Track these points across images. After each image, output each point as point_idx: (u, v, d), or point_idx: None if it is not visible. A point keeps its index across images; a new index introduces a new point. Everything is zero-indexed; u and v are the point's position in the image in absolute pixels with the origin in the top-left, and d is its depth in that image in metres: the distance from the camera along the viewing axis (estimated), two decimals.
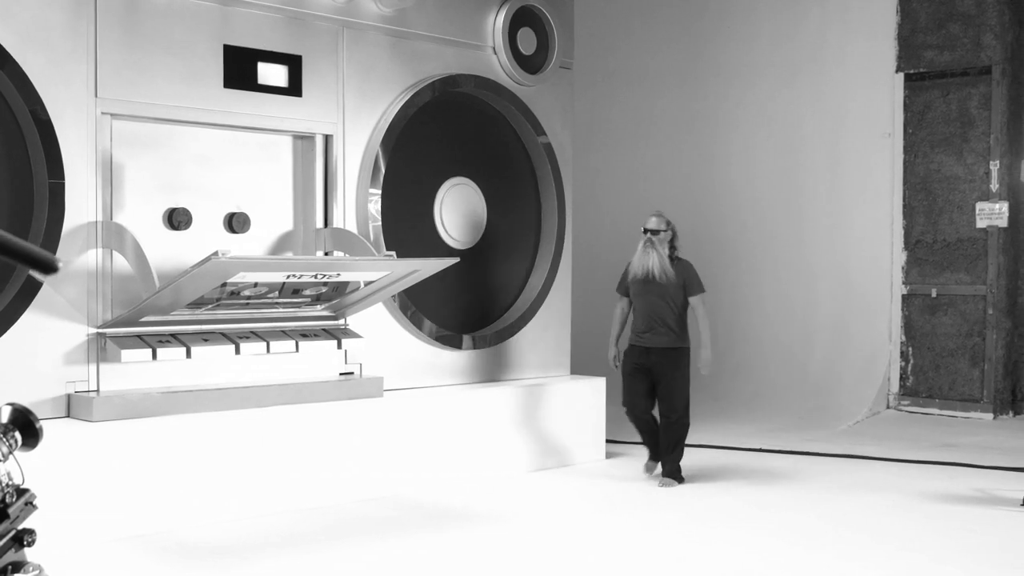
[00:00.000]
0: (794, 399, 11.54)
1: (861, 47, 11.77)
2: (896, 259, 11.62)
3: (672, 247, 7.99)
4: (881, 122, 11.68)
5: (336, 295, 7.11)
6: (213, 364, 7.00)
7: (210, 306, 6.66)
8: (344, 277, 6.84)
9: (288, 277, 6.58)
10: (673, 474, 7.86)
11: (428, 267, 7.09)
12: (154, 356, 6.46)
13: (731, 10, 12.61)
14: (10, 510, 2.83)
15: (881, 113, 11.67)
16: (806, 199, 12.07)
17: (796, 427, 10.58)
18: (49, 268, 2.31)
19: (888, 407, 11.51)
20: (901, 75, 11.57)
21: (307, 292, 6.91)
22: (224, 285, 6.37)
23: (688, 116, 12.91)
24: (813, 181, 12.03)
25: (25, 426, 2.98)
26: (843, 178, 11.85)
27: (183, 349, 6.58)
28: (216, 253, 5.91)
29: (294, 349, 7.08)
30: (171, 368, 6.80)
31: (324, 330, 7.34)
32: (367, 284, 7.07)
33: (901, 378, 11.59)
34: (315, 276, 6.66)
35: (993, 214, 11.13)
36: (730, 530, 6.50)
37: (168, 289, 6.13)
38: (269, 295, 6.76)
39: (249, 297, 6.69)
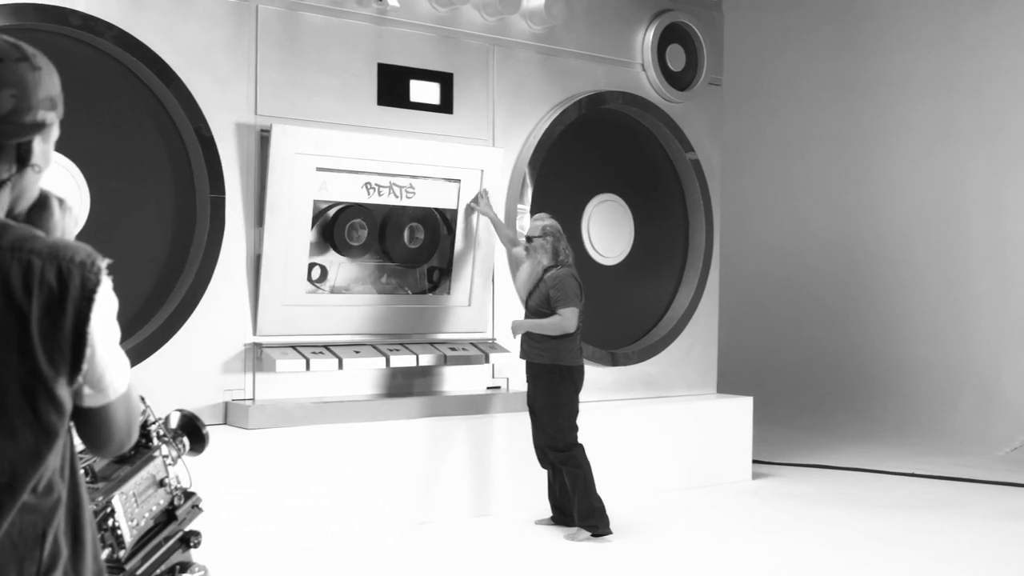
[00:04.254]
0: (948, 423, 11.21)
1: (1023, 56, 11.39)
2: None
3: (556, 253, 6.78)
4: None
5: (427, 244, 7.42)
6: (364, 376, 7.14)
7: (324, 280, 6.99)
8: (416, 179, 7.19)
9: (368, 189, 6.99)
10: (582, 521, 6.63)
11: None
12: (308, 367, 6.63)
13: (886, 23, 12.35)
14: (178, 512, 2.95)
15: None
16: (966, 216, 11.73)
17: (949, 452, 10.27)
18: None
19: None
20: None
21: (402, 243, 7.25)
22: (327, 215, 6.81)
23: (842, 132, 12.67)
24: (974, 197, 11.67)
25: (193, 432, 3.10)
26: (1006, 194, 11.47)
27: (336, 360, 6.74)
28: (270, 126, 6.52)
29: (443, 362, 7.18)
30: (324, 379, 6.96)
31: (472, 344, 7.43)
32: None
33: None
34: (389, 185, 7.09)
35: None
36: (877, 554, 6.36)
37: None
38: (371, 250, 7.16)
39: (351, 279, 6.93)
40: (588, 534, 6.60)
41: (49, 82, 1.90)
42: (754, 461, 8.89)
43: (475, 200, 7.36)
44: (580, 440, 6.80)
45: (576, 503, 6.65)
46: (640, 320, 8.76)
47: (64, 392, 1.80)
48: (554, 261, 6.78)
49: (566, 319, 6.69)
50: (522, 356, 6.89)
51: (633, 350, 8.53)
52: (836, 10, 12.77)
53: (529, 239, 6.87)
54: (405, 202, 7.22)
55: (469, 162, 7.40)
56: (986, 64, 11.61)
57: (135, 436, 1.98)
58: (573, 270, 6.83)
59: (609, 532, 6.63)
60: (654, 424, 8.21)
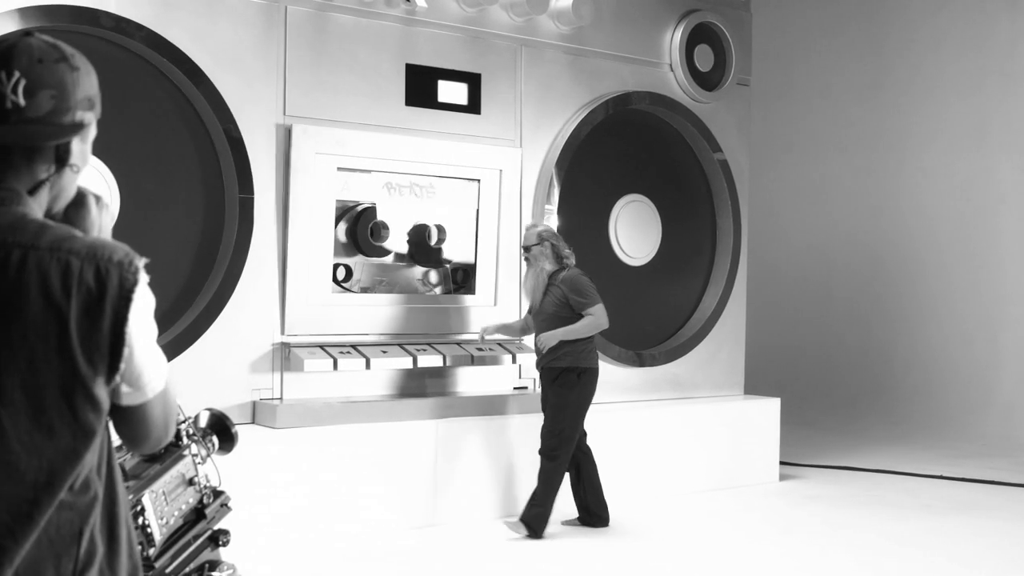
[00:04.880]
0: (978, 425, 11.14)
1: None
2: None
3: (558, 256, 6.77)
4: None
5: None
6: (391, 376, 7.15)
7: (349, 280, 7.04)
8: (436, 180, 7.29)
9: (388, 189, 7.07)
10: (527, 521, 6.58)
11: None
12: (335, 366, 6.65)
13: (915, 23, 12.29)
14: (207, 511, 2.96)
15: None
16: (996, 217, 11.65)
17: (978, 454, 10.19)
18: None
19: None
20: None
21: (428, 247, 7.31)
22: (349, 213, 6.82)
23: (871, 132, 12.61)
24: (1004, 198, 11.60)
25: (222, 431, 3.11)
26: None
27: (363, 360, 6.75)
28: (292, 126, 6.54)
29: (470, 363, 7.19)
30: (351, 378, 6.97)
31: (499, 344, 7.43)
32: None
33: None
34: (410, 185, 7.17)
35: None
36: (896, 558, 6.32)
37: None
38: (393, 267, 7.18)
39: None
40: (527, 533, 6.54)
41: (87, 82, 1.91)
42: (781, 463, 8.85)
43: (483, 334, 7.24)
44: (589, 444, 6.86)
45: (540, 500, 6.57)
46: (667, 321, 8.74)
47: (102, 391, 1.81)
48: (558, 264, 6.77)
49: (598, 317, 6.71)
50: (539, 365, 6.84)
51: (660, 351, 8.52)
52: (865, 10, 12.72)
53: (527, 248, 6.82)
54: (426, 202, 7.23)
55: (489, 162, 7.41)
56: (1017, 64, 11.54)
57: (172, 433, 1.99)
58: (580, 270, 6.83)
59: (541, 537, 6.55)
60: (681, 425, 8.19)
